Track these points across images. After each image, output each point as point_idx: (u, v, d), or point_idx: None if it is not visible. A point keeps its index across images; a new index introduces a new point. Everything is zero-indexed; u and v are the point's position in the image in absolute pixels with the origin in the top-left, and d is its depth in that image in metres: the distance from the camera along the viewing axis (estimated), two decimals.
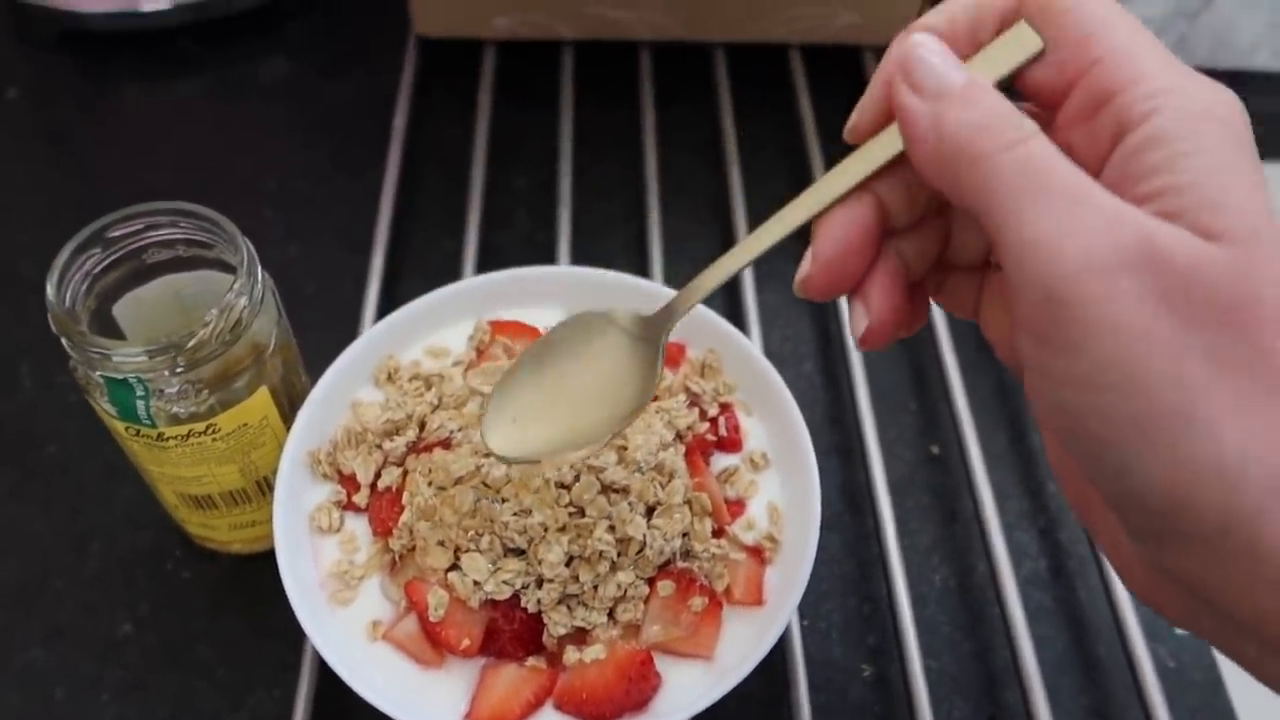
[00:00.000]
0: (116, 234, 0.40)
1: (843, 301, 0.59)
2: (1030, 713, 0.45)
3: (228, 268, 0.41)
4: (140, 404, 0.39)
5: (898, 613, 0.48)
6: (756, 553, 0.41)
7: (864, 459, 0.53)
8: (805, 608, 0.50)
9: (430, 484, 0.40)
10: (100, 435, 0.44)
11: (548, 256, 0.62)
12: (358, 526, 0.42)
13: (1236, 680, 0.50)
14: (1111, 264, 0.23)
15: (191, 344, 0.38)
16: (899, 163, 0.29)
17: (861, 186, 0.29)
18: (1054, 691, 0.46)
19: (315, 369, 0.46)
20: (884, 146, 0.29)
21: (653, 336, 0.34)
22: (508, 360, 0.44)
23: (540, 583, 0.38)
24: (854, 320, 0.30)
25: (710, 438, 0.44)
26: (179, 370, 0.38)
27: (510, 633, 0.38)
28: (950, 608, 0.51)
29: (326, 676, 0.43)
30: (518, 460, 0.35)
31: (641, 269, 0.61)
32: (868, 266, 0.30)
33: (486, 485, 0.39)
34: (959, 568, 0.52)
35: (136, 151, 0.69)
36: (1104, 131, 0.26)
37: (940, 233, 0.32)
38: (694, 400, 0.44)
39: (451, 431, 0.42)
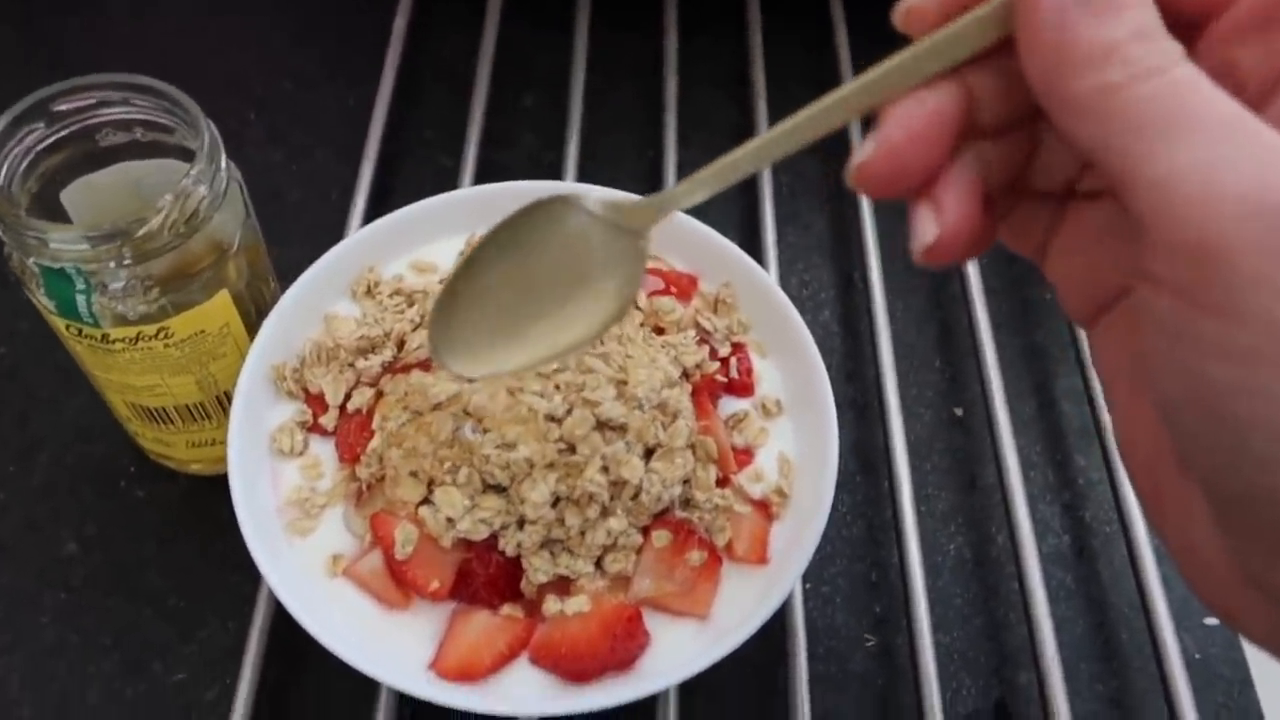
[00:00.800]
0: (63, 108, 0.36)
1: (870, 245, 0.55)
2: (1044, 697, 0.42)
3: (190, 157, 0.37)
4: (81, 299, 0.35)
5: (908, 581, 0.44)
6: (763, 507, 0.37)
7: (882, 416, 0.49)
8: (809, 570, 0.46)
9: (405, 408, 0.36)
10: (54, 338, 0.40)
11: (554, 179, 0.57)
12: (323, 451, 0.38)
13: (1266, 676, 0.46)
14: (1272, 202, 0.18)
15: (141, 233, 0.34)
16: (1000, 52, 0.23)
17: (949, 73, 0.23)
18: (1071, 676, 0.43)
19: (290, 282, 0.42)
20: (980, 32, 0.22)
21: (638, 226, 0.28)
22: None
23: (522, 524, 0.34)
24: (919, 227, 0.24)
25: (720, 379, 0.39)
26: (125, 263, 0.34)
27: (485, 577, 0.34)
28: (964, 579, 0.47)
29: (284, 611, 0.39)
30: (468, 375, 0.30)
31: (655, 176, 0.56)
32: (942, 162, 0.24)
33: (467, 413, 0.35)
34: (976, 538, 0.48)
35: (114, 43, 0.64)
36: None
37: (1030, 142, 0.25)
38: (704, 337, 0.40)
39: None
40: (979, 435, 0.51)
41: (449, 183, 0.56)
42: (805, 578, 0.46)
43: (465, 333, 0.29)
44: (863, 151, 0.23)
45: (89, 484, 0.46)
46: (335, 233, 0.53)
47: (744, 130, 0.60)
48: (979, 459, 0.51)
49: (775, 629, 0.42)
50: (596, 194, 0.28)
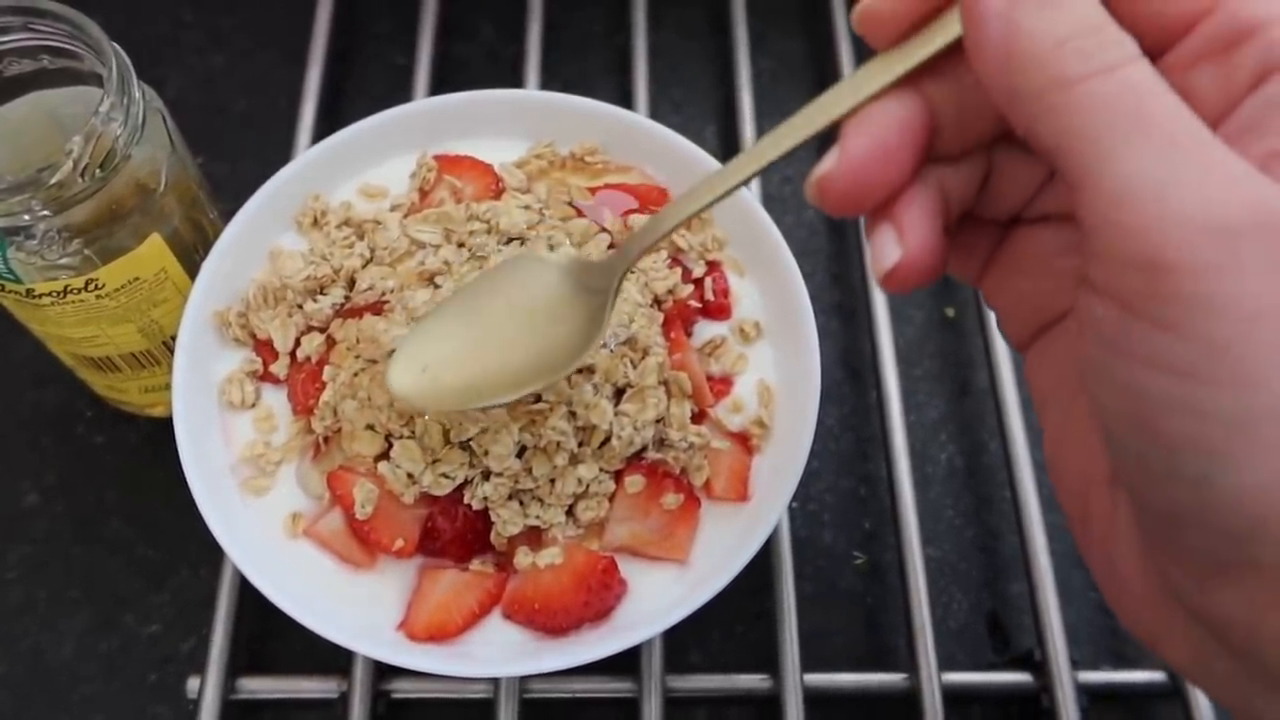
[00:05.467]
0: None
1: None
2: (1036, 607, 0.41)
3: None
4: None
5: (898, 495, 0.43)
6: (743, 440, 0.36)
7: (869, 321, 0.47)
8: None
9: (358, 357, 0.33)
10: None
11: (514, 76, 0.53)
12: (276, 401, 0.36)
13: None
14: (1233, 226, 0.18)
15: (54, 181, 0.31)
16: (956, 62, 0.22)
17: (907, 81, 0.22)
18: (1064, 585, 0.42)
19: (238, 208, 0.39)
20: (938, 36, 0.22)
21: (601, 286, 0.28)
22: (454, 205, 0.37)
23: (487, 475, 0.32)
24: (880, 249, 0.23)
25: (694, 304, 0.37)
26: (41, 214, 0.31)
27: (452, 532, 0.32)
28: (955, 490, 0.46)
29: None
30: (422, 406, 0.31)
31: (624, 93, 0.53)
32: (903, 181, 0.23)
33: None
34: (968, 446, 0.47)
35: None
36: (1240, 73, 0.20)
37: (984, 169, 0.24)
38: (676, 257, 0.37)
39: (385, 293, 0.35)
40: (971, 337, 0.49)
41: (404, 84, 0.52)
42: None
43: (431, 370, 0.30)
44: (825, 164, 0.22)
45: (45, 431, 0.44)
46: (284, 146, 0.49)
47: (716, 4, 0.56)
48: (971, 362, 0.49)
49: (760, 552, 0.41)
50: (564, 254, 0.30)
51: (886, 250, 0.23)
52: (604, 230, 0.37)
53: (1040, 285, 0.25)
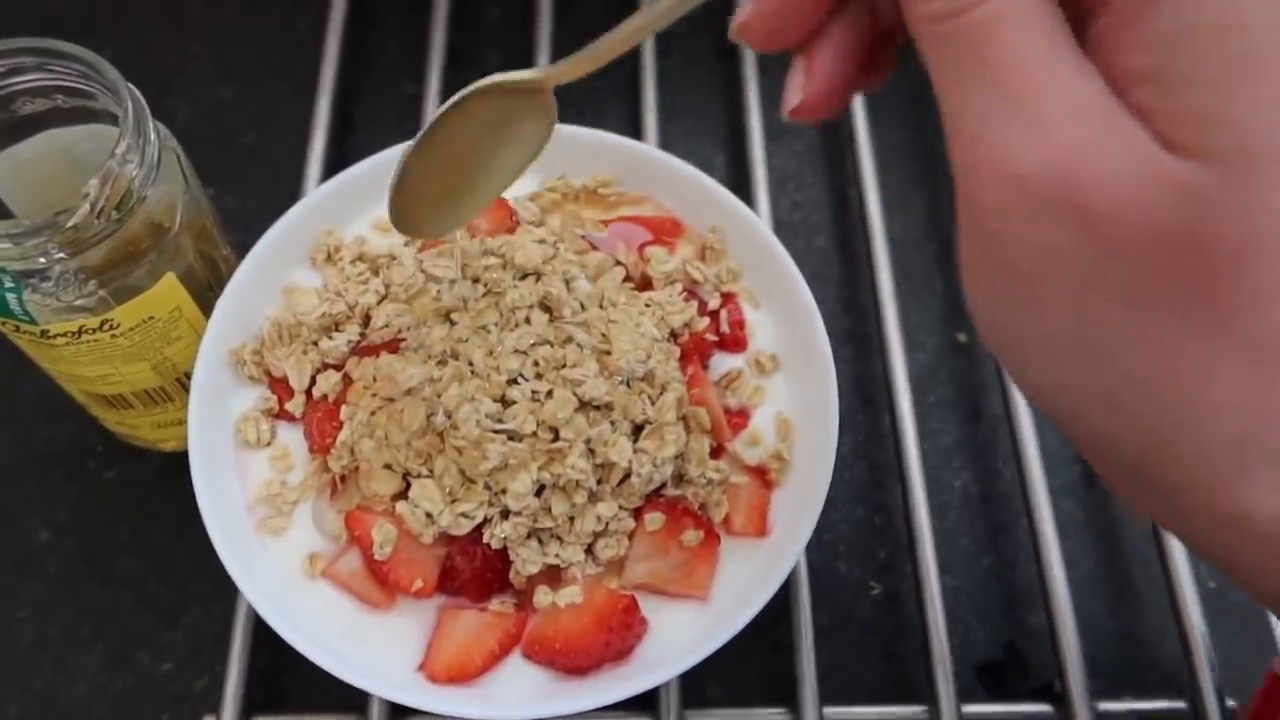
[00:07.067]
0: None
1: (864, 156, 0.52)
2: (1055, 637, 0.41)
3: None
4: (11, 297, 0.32)
5: (913, 523, 0.43)
6: (761, 474, 0.35)
7: (882, 347, 0.47)
8: None
9: (374, 395, 0.33)
10: None
11: None
12: (292, 439, 0.35)
13: None
14: (1019, 180, 0.20)
15: (71, 224, 0.31)
16: None
17: None
18: (1083, 614, 0.41)
19: (253, 240, 0.38)
20: None
21: (541, 85, 0.30)
22: (469, 240, 0.37)
23: (506, 515, 0.32)
24: (788, 90, 0.25)
25: (710, 337, 0.37)
26: (56, 257, 0.31)
27: (470, 571, 0.32)
28: (970, 518, 0.46)
29: None
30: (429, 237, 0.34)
31: (634, 120, 0.53)
32: (819, 19, 0.24)
33: (440, 399, 0.32)
34: (982, 472, 0.47)
35: None
36: None
37: None
38: (691, 290, 0.37)
39: (401, 330, 0.35)
40: (983, 362, 0.49)
41: (413, 114, 0.52)
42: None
43: (420, 204, 0.32)
44: (742, 12, 0.24)
45: (55, 467, 0.44)
46: (294, 178, 0.49)
47: (723, 30, 0.56)
48: (984, 387, 0.49)
49: None
50: (504, 76, 0.31)
51: (790, 93, 0.25)
52: (619, 264, 0.37)
53: None
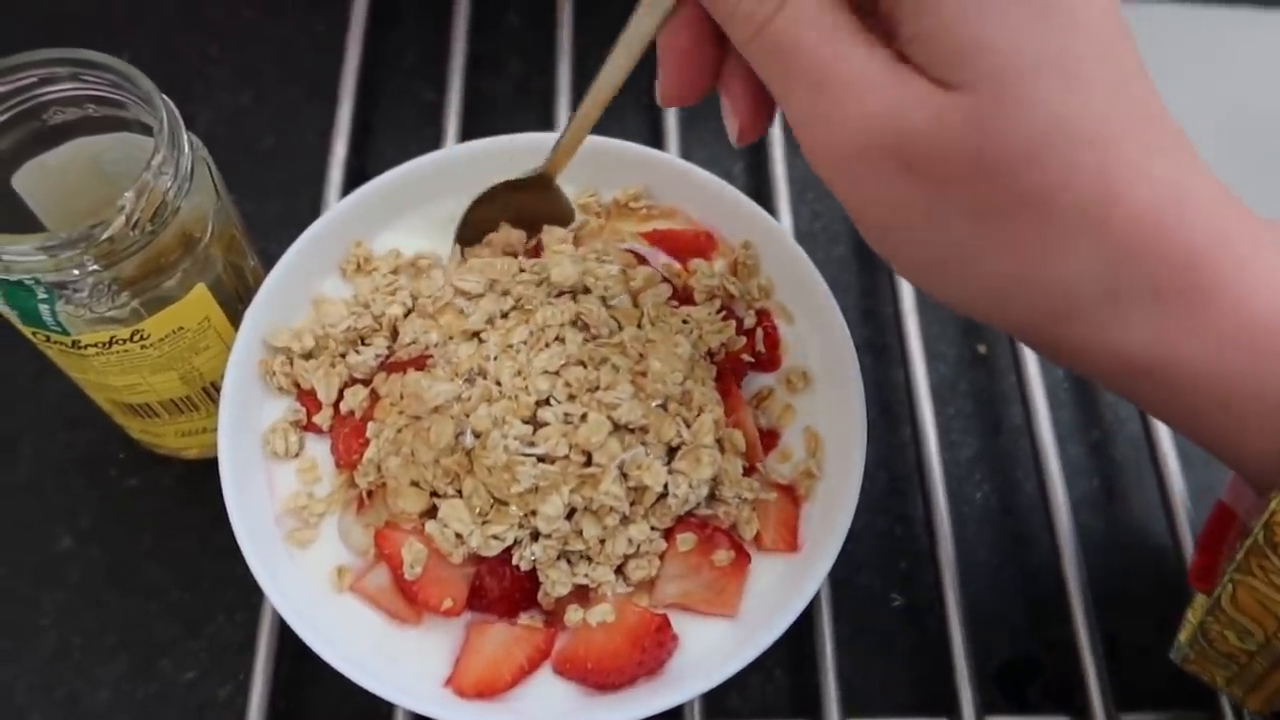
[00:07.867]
0: (1, 90, 0.32)
1: None
2: (1076, 649, 0.41)
3: (151, 130, 0.33)
4: (44, 308, 0.32)
5: (935, 534, 0.43)
6: (790, 491, 0.35)
7: (903, 358, 0.47)
8: None
9: (401, 413, 0.33)
10: None
11: (544, 109, 0.53)
12: (320, 451, 0.35)
13: None
14: (850, 153, 0.24)
15: (106, 236, 0.31)
16: None
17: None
18: (1104, 626, 0.42)
19: (273, 246, 0.38)
20: None
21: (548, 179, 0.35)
22: (503, 258, 0.37)
23: (535, 536, 0.32)
24: (726, 122, 0.29)
25: (746, 357, 0.36)
26: (90, 269, 0.31)
27: (499, 591, 0.32)
28: (992, 530, 0.46)
29: None
30: None
31: (655, 129, 0.53)
32: (717, 61, 0.28)
33: (469, 419, 0.32)
34: (1003, 484, 0.47)
35: None
36: None
37: None
38: (729, 308, 0.37)
39: (428, 347, 0.34)
40: (1004, 374, 0.49)
41: (434, 119, 0.52)
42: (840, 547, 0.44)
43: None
44: (658, 87, 0.29)
45: (78, 475, 0.44)
46: (314, 182, 0.49)
47: None
48: (1005, 399, 0.49)
49: None
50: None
51: (728, 122, 0.29)
52: (666, 280, 0.37)
53: None
